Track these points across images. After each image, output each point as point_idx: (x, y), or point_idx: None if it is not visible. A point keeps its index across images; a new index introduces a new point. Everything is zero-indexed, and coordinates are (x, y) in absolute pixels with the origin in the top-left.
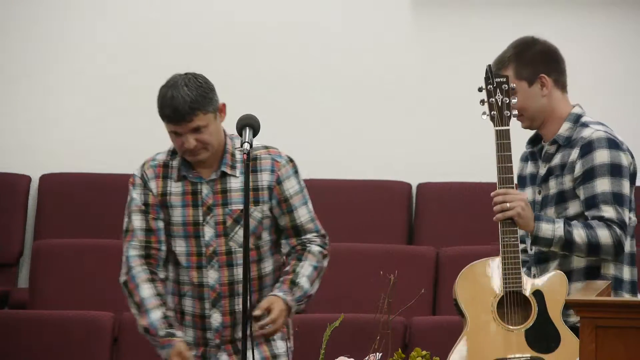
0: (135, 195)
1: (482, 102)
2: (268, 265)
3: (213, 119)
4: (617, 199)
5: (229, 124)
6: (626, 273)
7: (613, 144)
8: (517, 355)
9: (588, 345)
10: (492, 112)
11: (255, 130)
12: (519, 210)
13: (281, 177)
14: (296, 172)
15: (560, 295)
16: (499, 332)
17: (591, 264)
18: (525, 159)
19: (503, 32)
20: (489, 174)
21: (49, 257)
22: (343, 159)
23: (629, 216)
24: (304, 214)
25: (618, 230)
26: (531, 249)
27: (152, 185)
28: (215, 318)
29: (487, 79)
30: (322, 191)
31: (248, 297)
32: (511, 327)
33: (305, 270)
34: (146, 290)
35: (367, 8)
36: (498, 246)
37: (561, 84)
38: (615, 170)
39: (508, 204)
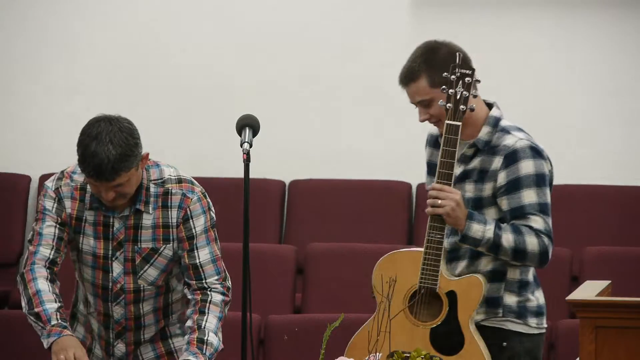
0: (49, 205)
1: (443, 90)
2: (177, 293)
3: (135, 171)
4: (543, 209)
5: (229, 124)
6: (531, 275)
7: (536, 153)
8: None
9: (588, 346)
10: (449, 105)
11: (255, 131)
12: (449, 210)
13: (188, 215)
14: (208, 209)
15: (473, 301)
16: (406, 325)
17: (497, 268)
18: (435, 144)
19: (503, 32)
20: None
21: None
22: (343, 159)
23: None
24: (204, 254)
25: (546, 240)
26: (447, 246)
27: (67, 204)
28: (119, 348)
29: (453, 67)
30: (322, 191)
31: (248, 297)
32: (419, 322)
33: (210, 324)
34: (44, 285)
35: (366, 8)
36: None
37: (474, 85)
38: (540, 181)
39: (440, 201)
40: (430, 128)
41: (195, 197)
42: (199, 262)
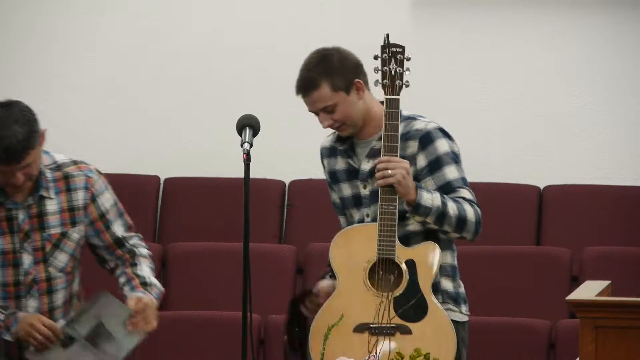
0: None
1: (376, 70)
2: (77, 285)
3: (38, 149)
4: (466, 183)
5: (229, 124)
6: (456, 261)
7: (446, 133)
8: (382, 324)
9: (588, 346)
10: (385, 81)
11: (255, 131)
12: (400, 177)
13: (95, 194)
14: (108, 185)
15: (432, 266)
16: (368, 297)
17: None
18: (331, 154)
19: (503, 31)
20: (489, 173)
21: None
22: None
23: None
24: (119, 226)
25: (479, 209)
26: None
27: None
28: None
29: (383, 47)
30: (322, 191)
31: (248, 299)
32: (381, 293)
33: (145, 272)
34: None
35: (366, 8)
36: (497, 246)
37: (367, 84)
38: (457, 158)
39: (390, 171)
40: (322, 141)
41: (95, 175)
42: (120, 235)
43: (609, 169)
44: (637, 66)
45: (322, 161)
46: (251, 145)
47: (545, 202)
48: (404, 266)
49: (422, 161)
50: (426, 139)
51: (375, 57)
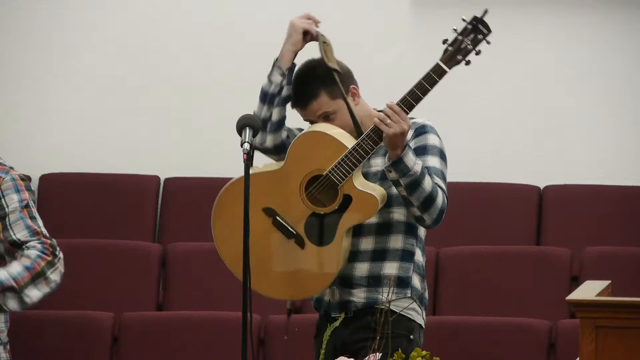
0: None
1: (454, 30)
2: None
3: None
4: (444, 178)
5: (229, 124)
6: (424, 258)
7: (439, 136)
8: (287, 222)
9: (588, 346)
10: (450, 47)
11: (255, 131)
12: (391, 133)
13: (1, 193)
14: (23, 190)
15: (361, 215)
16: (294, 192)
17: (407, 248)
18: None
19: (503, 31)
20: (489, 173)
21: None
22: None
23: None
24: (20, 229)
25: (446, 201)
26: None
27: None
28: None
29: (475, 18)
30: None
31: (248, 297)
32: (307, 201)
33: (11, 267)
34: None
35: (367, 8)
36: (497, 246)
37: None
38: (443, 155)
39: (389, 121)
40: None
41: (9, 177)
42: (16, 238)
43: (609, 169)
44: (637, 66)
45: None
46: (251, 145)
47: (545, 202)
48: (340, 195)
49: (411, 146)
50: (421, 130)
51: (464, 19)
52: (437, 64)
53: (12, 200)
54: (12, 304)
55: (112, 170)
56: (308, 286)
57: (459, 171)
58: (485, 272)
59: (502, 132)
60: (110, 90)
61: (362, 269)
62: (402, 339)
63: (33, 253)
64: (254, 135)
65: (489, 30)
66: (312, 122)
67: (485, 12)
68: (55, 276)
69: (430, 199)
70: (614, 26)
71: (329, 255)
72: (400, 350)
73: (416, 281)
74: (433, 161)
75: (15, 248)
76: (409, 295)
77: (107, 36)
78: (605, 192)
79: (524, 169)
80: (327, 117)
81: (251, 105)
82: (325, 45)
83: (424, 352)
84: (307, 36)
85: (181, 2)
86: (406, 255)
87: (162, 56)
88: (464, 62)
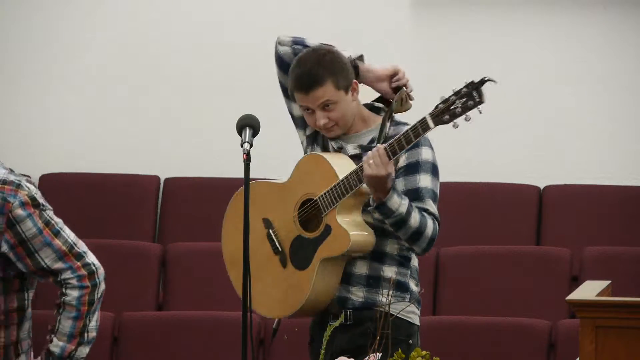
0: None
1: (451, 97)
2: (15, 328)
3: None
4: (435, 197)
5: (229, 124)
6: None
7: (431, 145)
8: (278, 238)
9: (588, 346)
10: (440, 105)
11: (255, 131)
12: (369, 173)
13: (13, 220)
14: (34, 211)
15: (333, 250)
16: (289, 209)
17: (403, 253)
18: (317, 142)
19: (503, 31)
20: (489, 173)
21: None
22: None
23: None
24: (47, 255)
25: (438, 227)
26: None
27: None
28: None
29: (472, 83)
30: None
31: (248, 297)
32: (297, 222)
33: (62, 327)
34: None
35: (367, 8)
36: (497, 246)
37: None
38: (435, 171)
39: (371, 161)
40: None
41: (17, 201)
42: (45, 264)
43: (609, 169)
44: (637, 66)
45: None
46: (251, 145)
47: (545, 202)
48: (323, 224)
49: (402, 161)
50: (414, 143)
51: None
52: (424, 118)
53: (28, 227)
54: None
55: (112, 170)
56: (277, 307)
57: (459, 171)
58: (485, 272)
59: (502, 133)
60: (110, 90)
61: (362, 267)
62: (402, 344)
63: (73, 295)
64: (254, 135)
65: (482, 100)
66: (307, 110)
67: (486, 80)
68: (94, 321)
69: (417, 233)
70: (614, 26)
71: (302, 282)
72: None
73: (413, 286)
74: (425, 180)
75: (43, 272)
76: (407, 299)
77: (107, 36)
78: (605, 192)
79: (524, 169)
80: (326, 106)
81: (251, 106)
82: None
83: (424, 352)
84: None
85: (181, 2)
86: (403, 261)
87: (162, 56)
88: (446, 123)
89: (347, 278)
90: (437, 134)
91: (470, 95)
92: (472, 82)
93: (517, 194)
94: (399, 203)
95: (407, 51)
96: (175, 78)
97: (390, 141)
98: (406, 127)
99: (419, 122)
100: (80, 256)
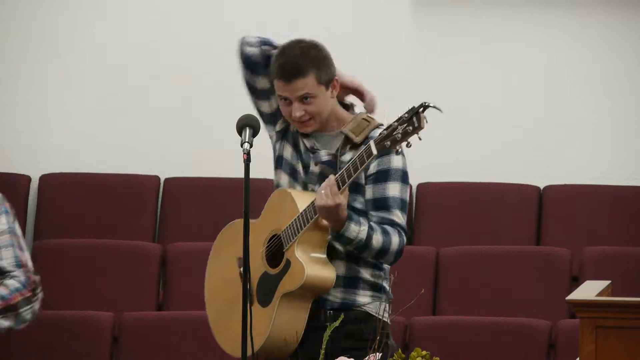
0: None
1: (397, 121)
2: None
3: None
4: (403, 206)
5: (229, 124)
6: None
7: (403, 152)
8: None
9: (588, 346)
10: (384, 130)
11: (255, 131)
12: (321, 203)
13: None
14: (8, 211)
15: (290, 284)
16: (257, 250)
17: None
18: (287, 139)
19: (503, 31)
20: (489, 174)
21: (49, 257)
22: None
23: None
24: (8, 256)
25: (404, 238)
26: None
27: None
28: None
29: (415, 110)
30: None
31: (248, 297)
32: (265, 259)
33: None
34: None
35: (366, 8)
36: (497, 246)
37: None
38: (405, 177)
39: (323, 192)
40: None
41: None
42: (2, 263)
43: (609, 169)
44: (637, 66)
45: (280, 142)
46: (251, 145)
47: (545, 202)
48: (284, 259)
49: (373, 168)
50: (387, 152)
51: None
52: (369, 145)
53: (1, 223)
54: None
55: (112, 170)
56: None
57: (459, 171)
58: (485, 272)
59: (502, 132)
60: (110, 90)
61: (339, 267)
62: (385, 346)
63: (13, 284)
64: (254, 135)
65: (420, 126)
66: (284, 100)
67: (425, 106)
68: (27, 315)
69: (382, 251)
70: (614, 26)
71: (263, 319)
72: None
73: (386, 286)
74: (393, 189)
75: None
76: (384, 300)
77: (107, 36)
78: (605, 192)
79: (524, 169)
80: (305, 99)
81: (251, 106)
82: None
83: (424, 352)
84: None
85: (181, 2)
86: (377, 262)
87: (162, 56)
88: (388, 148)
89: None
90: (437, 134)
91: (410, 121)
92: (412, 108)
93: (517, 194)
94: (357, 231)
95: (407, 51)
96: (175, 78)
97: (341, 170)
98: (355, 154)
99: (364, 149)
100: (35, 274)
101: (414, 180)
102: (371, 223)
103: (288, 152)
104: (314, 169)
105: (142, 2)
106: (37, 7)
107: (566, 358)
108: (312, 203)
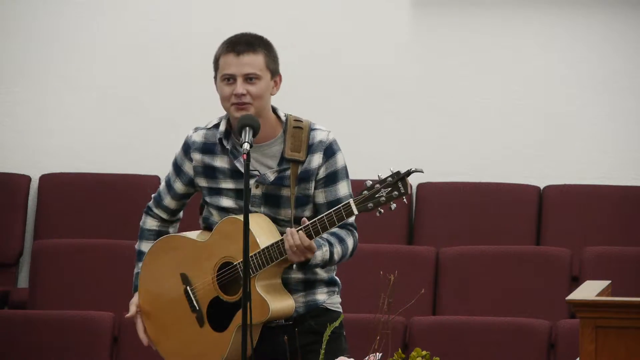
0: None
1: (376, 183)
2: None
3: None
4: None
5: None
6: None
7: (339, 145)
8: (195, 296)
9: (588, 346)
10: (365, 192)
11: (255, 131)
12: (293, 259)
13: None
14: None
15: (253, 319)
16: (207, 268)
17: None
18: (206, 150)
19: (503, 31)
20: (489, 174)
21: (49, 257)
22: None
23: None
24: None
25: (356, 234)
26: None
27: None
28: None
29: (398, 175)
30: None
31: (248, 297)
32: (216, 284)
33: None
34: None
35: (366, 8)
36: (497, 246)
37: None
38: (347, 172)
39: (295, 249)
40: (190, 135)
41: None
42: None
43: (609, 169)
44: (637, 66)
45: (187, 154)
46: (251, 146)
47: (545, 202)
48: (240, 291)
49: (322, 173)
50: (329, 152)
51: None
52: (348, 203)
53: None
54: None
55: (112, 170)
56: None
57: (459, 171)
58: (485, 272)
59: (502, 132)
60: (111, 90)
61: (297, 272)
62: (341, 337)
63: None
64: (254, 135)
65: (406, 191)
66: (227, 80)
67: (412, 171)
68: None
69: (341, 260)
70: (614, 26)
71: (218, 344)
72: (342, 348)
73: (336, 277)
74: (343, 189)
75: None
76: (337, 291)
77: (107, 36)
78: (605, 192)
79: (524, 169)
80: (250, 79)
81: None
82: None
83: (424, 352)
84: None
85: (181, 3)
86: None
87: (163, 56)
88: (376, 211)
89: (285, 286)
90: (437, 134)
91: (395, 186)
92: (397, 172)
93: (517, 194)
94: (321, 255)
95: (407, 51)
96: (175, 78)
97: (313, 221)
98: (330, 211)
99: (342, 205)
100: None
101: (414, 180)
102: (328, 237)
103: (221, 164)
104: (256, 191)
105: (142, 2)
106: (38, 7)
107: (566, 358)
108: (277, 245)
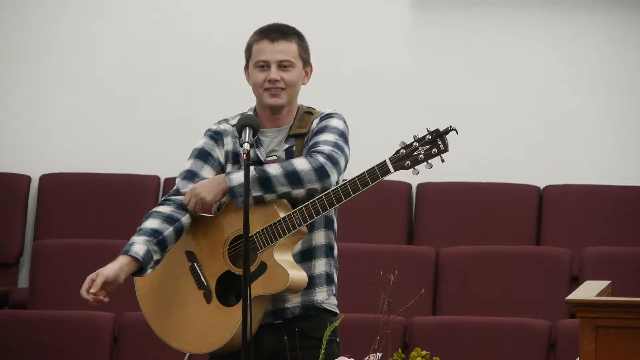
0: None
1: (413, 142)
2: None
3: None
4: (337, 145)
5: None
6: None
7: (345, 121)
8: (203, 272)
9: (588, 346)
10: (402, 150)
11: (255, 131)
12: (193, 205)
13: None
14: None
15: (270, 288)
16: (218, 250)
17: (328, 242)
18: (237, 138)
19: (503, 31)
20: (489, 174)
21: (49, 257)
22: None
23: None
24: None
25: (320, 158)
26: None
27: None
28: None
29: (437, 132)
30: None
31: (248, 297)
32: (227, 257)
33: None
34: None
35: (366, 8)
36: (497, 246)
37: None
38: (343, 135)
39: (189, 199)
40: (213, 127)
41: None
42: None
43: (609, 169)
44: (637, 66)
45: (218, 141)
46: (251, 146)
47: (545, 202)
48: (258, 260)
49: (314, 127)
50: (325, 117)
51: (419, 137)
52: (384, 162)
53: None
54: None
55: (112, 170)
56: (197, 342)
57: (460, 171)
58: (485, 272)
59: (502, 132)
60: (111, 90)
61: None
62: (334, 344)
63: None
64: (254, 135)
65: (446, 148)
66: (261, 67)
67: (450, 129)
68: None
69: (290, 174)
70: (614, 26)
71: (228, 319)
72: (335, 354)
73: (335, 277)
74: (326, 136)
75: None
76: (334, 291)
77: (107, 36)
78: (605, 192)
79: (524, 169)
80: (283, 67)
81: (251, 106)
82: None
83: (424, 352)
84: None
85: (181, 3)
86: (329, 251)
87: (162, 56)
88: (411, 169)
89: None
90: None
91: (434, 143)
92: (437, 130)
93: (517, 194)
94: (242, 174)
95: (407, 51)
96: (175, 78)
97: (344, 182)
98: (363, 171)
99: (377, 165)
100: None
101: (414, 180)
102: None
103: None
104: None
105: (142, 3)
106: (38, 7)
107: (566, 358)
108: (300, 210)
